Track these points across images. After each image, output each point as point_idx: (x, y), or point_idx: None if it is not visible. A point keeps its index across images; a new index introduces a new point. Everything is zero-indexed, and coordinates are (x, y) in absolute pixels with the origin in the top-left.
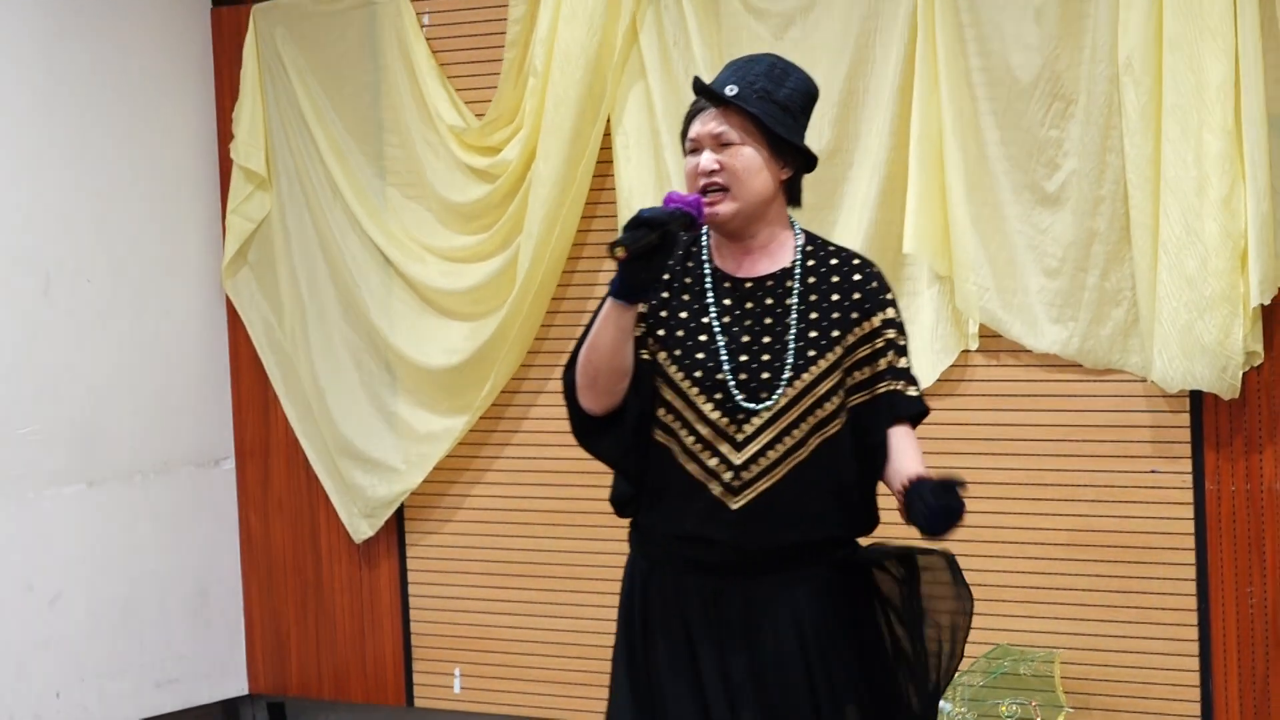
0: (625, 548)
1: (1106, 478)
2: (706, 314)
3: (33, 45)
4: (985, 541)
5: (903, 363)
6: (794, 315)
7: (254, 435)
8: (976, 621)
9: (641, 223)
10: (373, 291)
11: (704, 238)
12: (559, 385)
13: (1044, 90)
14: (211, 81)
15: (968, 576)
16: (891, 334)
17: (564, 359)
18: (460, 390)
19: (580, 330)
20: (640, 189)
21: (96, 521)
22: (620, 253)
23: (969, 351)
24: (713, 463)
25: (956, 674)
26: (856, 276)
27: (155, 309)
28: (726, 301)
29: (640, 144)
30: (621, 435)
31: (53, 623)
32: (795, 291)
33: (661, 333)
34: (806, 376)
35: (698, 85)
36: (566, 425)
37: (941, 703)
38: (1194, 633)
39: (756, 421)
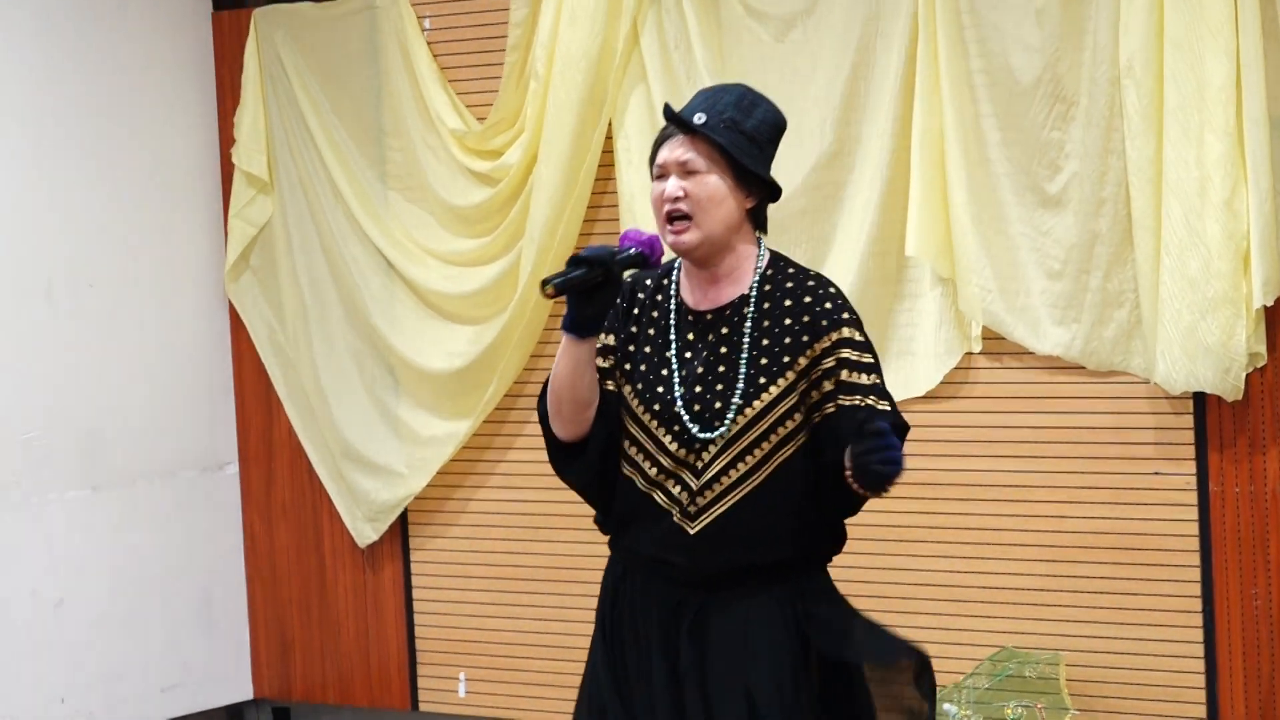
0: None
1: (1110, 480)
2: (669, 348)
3: (33, 50)
4: (989, 544)
5: (862, 379)
6: (746, 341)
7: (257, 439)
8: (981, 624)
9: (579, 261)
10: (375, 295)
11: (675, 271)
12: None
13: (1045, 92)
14: (213, 85)
15: (973, 579)
16: (846, 352)
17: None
18: (463, 394)
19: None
20: (642, 192)
21: (101, 526)
22: (549, 291)
23: (972, 354)
24: (675, 490)
25: (962, 676)
26: (808, 298)
27: (158, 314)
28: (689, 335)
29: (642, 147)
30: (588, 463)
31: (57, 628)
32: (750, 318)
33: (628, 366)
34: (758, 404)
35: (668, 112)
36: None
37: (947, 705)
38: (1199, 634)
39: (713, 449)
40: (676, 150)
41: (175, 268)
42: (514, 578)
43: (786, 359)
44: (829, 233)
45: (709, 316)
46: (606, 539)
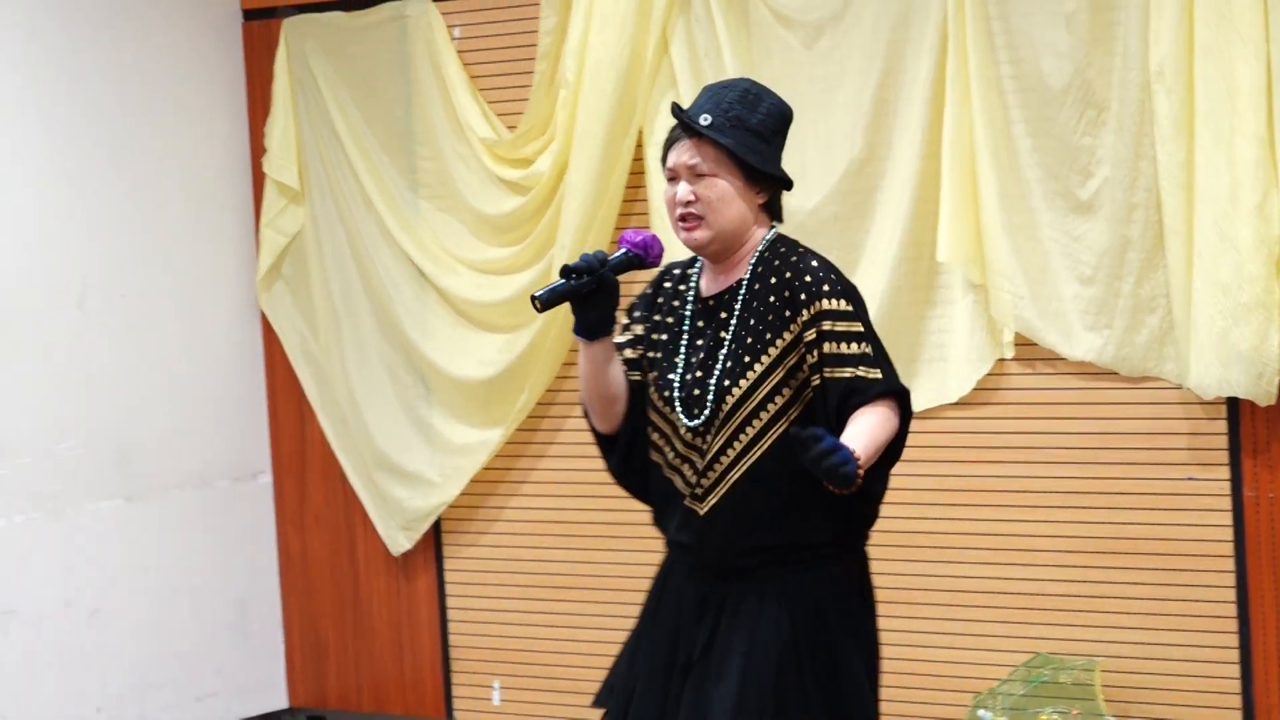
0: (660, 558)
1: (1143, 485)
2: (683, 335)
3: (64, 61)
4: (1024, 550)
5: (847, 348)
6: (734, 323)
7: (290, 449)
8: (1016, 630)
9: (568, 271)
10: (407, 304)
11: (698, 262)
12: None
13: (1076, 98)
14: (243, 95)
15: (1008, 585)
16: (827, 324)
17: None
18: (496, 402)
19: None
20: None
21: (135, 536)
22: (537, 305)
23: (1004, 360)
24: (688, 473)
25: (997, 682)
26: (789, 273)
27: (190, 324)
28: (699, 322)
29: None
30: (620, 454)
31: (92, 638)
32: (741, 299)
33: (650, 356)
34: (744, 383)
35: (675, 111)
36: None
37: (982, 711)
38: (1234, 639)
39: (711, 431)
40: (684, 154)
41: (207, 278)
42: (548, 585)
43: (769, 336)
44: (860, 240)
45: (712, 302)
46: (661, 533)
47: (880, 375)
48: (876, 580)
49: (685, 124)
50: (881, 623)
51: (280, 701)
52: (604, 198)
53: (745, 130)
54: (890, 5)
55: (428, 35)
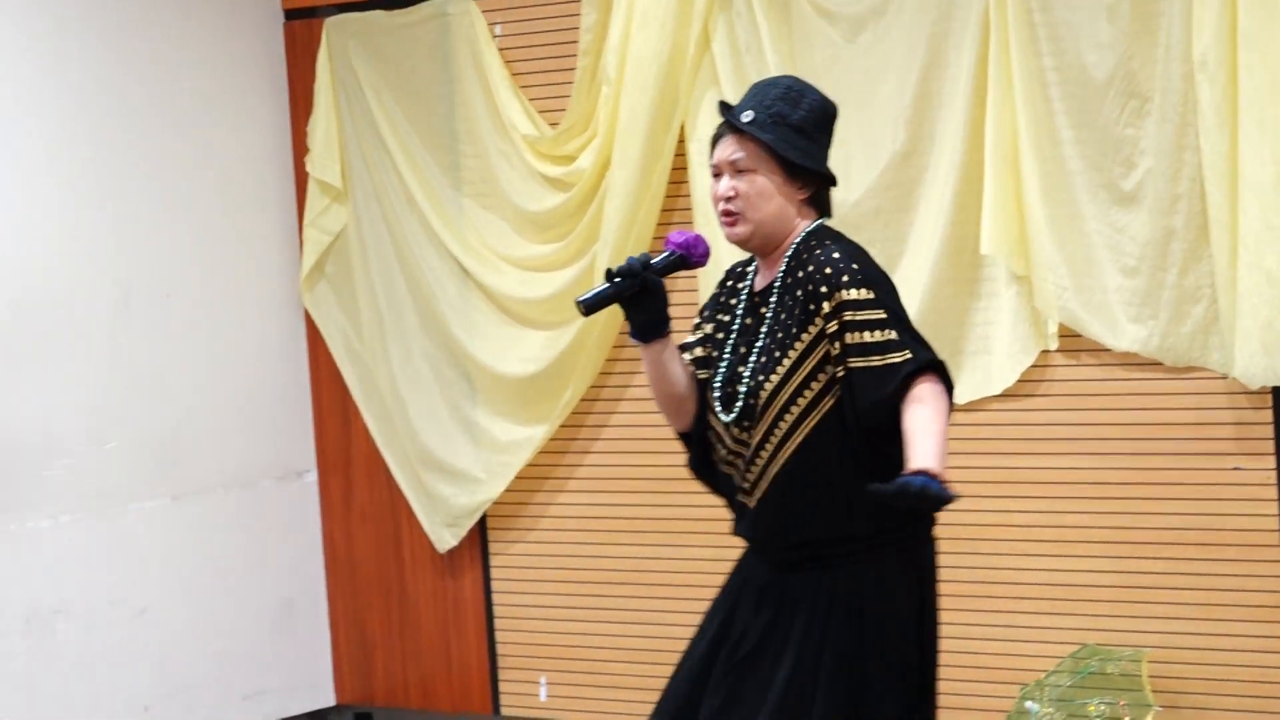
0: (706, 554)
1: (1189, 475)
2: (732, 333)
3: (107, 65)
4: (1070, 541)
5: (870, 336)
6: (769, 318)
7: (335, 447)
8: (1063, 621)
9: (611, 275)
10: (450, 302)
11: (754, 259)
12: (639, 393)
13: (1118, 89)
14: (285, 95)
15: (1054, 577)
16: (849, 314)
17: (641, 366)
18: (540, 399)
19: None
20: None
21: (181, 535)
22: (582, 309)
23: (1048, 351)
24: (741, 466)
25: (1044, 674)
26: (812, 267)
27: (234, 323)
28: (748, 320)
29: None
30: (696, 451)
31: (140, 636)
32: (776, 293)
33: (712, 354)
34: (774, 377)
35: (721, 107)
36: (646, 432)
37: (1029, 703)
38: None
39: (750, 425)
40: (728, 149)
41: (251, 277)
42: (594, 581)
43: (795, 330)
44: (904, 232)
45: (758, 299)
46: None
47: (910, 355)
48: None
49: (727, 120)
50: None
51: (328, 699)
52: (646, 194)
53: (786, 126)
54: None
55: (469, 33)
